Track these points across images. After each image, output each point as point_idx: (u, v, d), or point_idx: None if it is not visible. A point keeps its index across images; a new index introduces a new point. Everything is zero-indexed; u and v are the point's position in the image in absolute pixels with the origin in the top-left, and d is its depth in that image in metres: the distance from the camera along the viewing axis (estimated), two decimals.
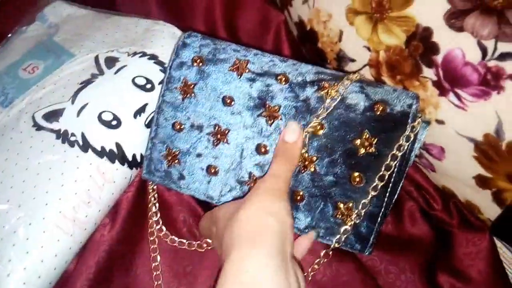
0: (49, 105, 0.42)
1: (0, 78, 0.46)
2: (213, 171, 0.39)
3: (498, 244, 0.43)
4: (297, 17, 0.52)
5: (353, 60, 0.44)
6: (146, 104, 0.44)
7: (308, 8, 0.48)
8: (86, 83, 0.44)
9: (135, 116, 0.43)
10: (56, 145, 0.40)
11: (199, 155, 0.39)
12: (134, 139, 0.42)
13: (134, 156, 0.42)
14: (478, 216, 0.40)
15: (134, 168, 0.43)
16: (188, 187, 0.40)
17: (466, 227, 0.41)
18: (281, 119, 0.37)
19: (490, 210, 0.37)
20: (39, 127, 0.41)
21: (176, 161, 0.40)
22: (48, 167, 0.39)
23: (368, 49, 0.41)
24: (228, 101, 0.38)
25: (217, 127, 0.39)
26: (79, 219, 0.38)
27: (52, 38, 0.50)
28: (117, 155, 0.41)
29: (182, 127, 0.40)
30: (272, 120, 0.37)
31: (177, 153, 0.40)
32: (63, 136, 0.40)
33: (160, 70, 0.46)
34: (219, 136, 0.39)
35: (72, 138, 0.40)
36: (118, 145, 0.41)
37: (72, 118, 0.41)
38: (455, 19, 0.32)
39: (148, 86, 0.45)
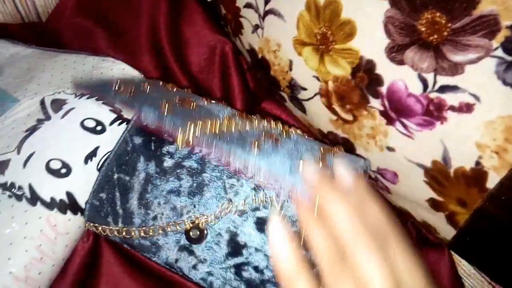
0: None
1: None
2: None
3: (457, 257, 0.44)
4: (248, 45, 0.52)
5: (304, 89, 0.45)
6: (97, 147, 0.42)
7: (257, 37, 0.49)
8: (31, 130, 0.42)
9: (86, 161, 0.41)
10: (2, 200, 0.38)
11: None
12: (87, 185, 0.41)
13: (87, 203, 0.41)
14: (436, 235, 0.42)
15: None
16: None
17: (425, 245, 0.42)
18: None
19: (446, 231, 0.38)
20: None
21: None
22: None
23: (318, 78, 0.42)
24: None
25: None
26: (31, 277, 0.36)
27: None
28: (68, 205, 0.39)
29: None
30: None
31: None
32: (10, 190, 0.38)
33: (110, 110, 0.45)
34: None
35: (19, 192, 0.38)
36: (69, 194, 0.40)
37: (18, 169, 0.40)
38: (395, 52, 0.33)
39: (99, 128, 0.43)
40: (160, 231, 0.38)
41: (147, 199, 0.39)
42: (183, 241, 0.38)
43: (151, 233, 0.38)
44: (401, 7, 0.32)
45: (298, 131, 0.39)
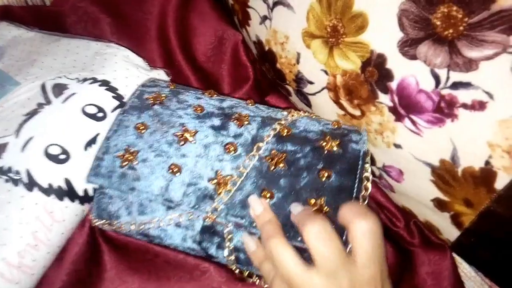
0: None
1: None
2: (176, 170, 0.37)
3: (458, 259, 0.43)
4: (255, 37, 0.51)
5: (311, 83, 0.44)
6: (97, 135, 0.42)
7: (265, 28, 0.48)
8: (31, 114, 0.41)
9: (85, 148, 0.41)
10: None
11: (160, 154, 0.38)
12: (85, 173, 0.40)
13: (85, 191, 0.40)
14: (438, 235, 0.41)
15: (86, 204, 0.41)
16: (144, 190, 0.37)
17: (427, 246, 0.41)
18: (249, 123, 0.39)
19: (449, 232, 0.37)
20: None
21: (134, 161, 0.38)
22: None
23: (326, 72, 0.41)
24: (199, 109, 0.41)
25: (184, 127, 0.39)
26: (25, 264, 0.35)
27: None
28: (66, 192, 0.39)
29: (144, 130, 0.40)
30: (241, 124, 0.39)
31: (135, 152, 0.38)
32: (7, 174, 0.37)
33: (113, 97, 0.44)
34: (185, 135, 0.38)
35: (16, 176, 0.37)
36: (67, 181, 0.39)
37: (16, 153, 0.39)
38: (408, 47, 0.32)
39: (100, 114, 0.42)
40: (188, 216, 0.37)
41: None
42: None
43: (180, 219, 0.37)
44: (417, 0, 0.31)
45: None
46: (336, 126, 0.40)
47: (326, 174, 0.36)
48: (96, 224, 0.39)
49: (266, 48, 0.49)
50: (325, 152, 0.37)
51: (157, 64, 0.53)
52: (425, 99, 0.32)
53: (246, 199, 0.35)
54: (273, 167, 0.37)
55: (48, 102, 0.42)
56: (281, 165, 0.37)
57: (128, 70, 0.47)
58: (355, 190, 0.35)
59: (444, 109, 0.32)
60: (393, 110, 0.35)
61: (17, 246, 0.35)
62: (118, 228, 0.39)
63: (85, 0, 0.55)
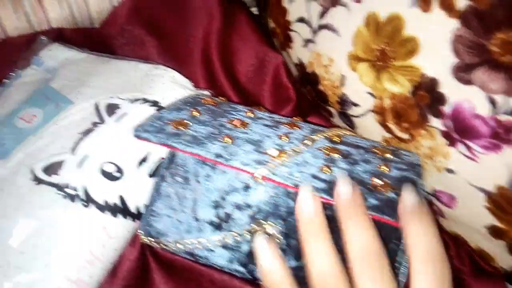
0: (48, 157, 0.41)
1: None
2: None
3: None
4: (297, 59, 0.52)
5: (356, 105, 0.44)
6: (149, 153, 0.43)
7: (308, 51, 0.49)
8: (86, 133, 0.43)
9: (138, 167, 0.42)
10: (56, 201, 0.38)
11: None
12: (138, 190, 0.41)
13: (138, 208, 0.41)
14: (491, 264, 0.40)
15: (137, 220, 0.42)
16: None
17: (480, 275, 0.40)
18: (300, 129, 0.40)
19: (504, 260, 0.37)
20: (38, 181, 0.39)
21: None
22: (49, 225, 0.37)
23: (372, 95, 0.41)
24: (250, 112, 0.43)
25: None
26: (82, 280, 0.36)
27: (49, 85, 0.49)
28: (120, 209, 0.40)
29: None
30: (292, 127, 0.40)
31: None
32: (64, 191, 0.39)
33: None
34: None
35: (73, 193, 0.39)
36: (121, 198, 0.40)
37: (73, 170, 0.40)
38: (462, 72, 0.32)
39: None
40: (235, 237, 0.37)
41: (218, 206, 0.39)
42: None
43: (227, 240, 0.37)
44: (472, 26, 0.31)
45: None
46: (386, 144, 0.40)
47: (385, 167, 0.34)
48: (144, 241, 0.40)
49: (309, 70, 0.50)
50: (380, 155, 0.37)
51: (200, 85, 0.54)
52: (481, 124, 0.32)
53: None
54: (328, 154, 0.36)
55: (102, 121, 0.44)
56: (336, 155, 0.36)
57: (175, 90, 0.48)
58: (417, 183, 0.33)
59: (501, 135, 0.31)
60: (445, 134, 0.35)
61: (76, 262, 0.36)
62: (165, 246, 0.39)
63: (132, 24, 0.57)
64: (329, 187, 0.32)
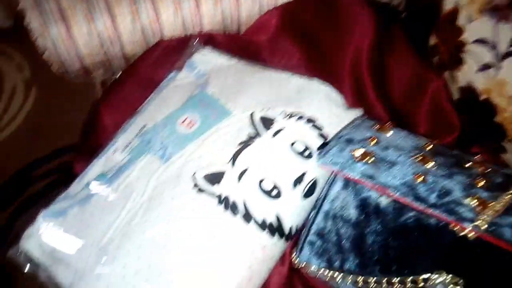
0: (208, 166, 0.42)
1: (156, 129, 0.47)
2: None
3: None
4: (465, 82, 0.47)
5: None
6: (304, 173, 0.42)
7: (485, 77, 0.43)
8: (244, 145, 0.43)
9: (294, 186, 0.41)
10: (218, 213, 0.39)
11: None
12: (293, 210, 0.40)
13: (291, 228, 0.40)
14: None
15: (289, 241, 0.41)
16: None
17: None
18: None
19: None
20: (200, 189, 0.40)
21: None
22: (212, 236, 0.38)
23: None
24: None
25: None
26: None
27: (204, 91, 0.51)
28: (276, 228, 0.39)
29: None
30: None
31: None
32: (225, 203, 0.39)
33: (318, 135, 0.44)
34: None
35: (234, 207, 0.39)
36: (278, 217, 0.39)
37: (233, 183, 0.40)
38: None
39: (307, 153, 0.43)
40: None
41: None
42: None
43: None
44: None
45: None
46: None
47: None
48: (300, 266, 0.39)
49: (481, 97, 0.45)
50: None
51: (347, 100, 0.52)
52: None
53: None
54: None
55: (259, 134, 0.44)
56: None
57: (331, 108, 0.46)
58: None
59: None
60: None
61: (236, 279, 0.36)
62: (322, 276, 0.38)
63: (282, 34, 0.56)
64: None
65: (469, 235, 0.30)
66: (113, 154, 0.46)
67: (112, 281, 0.36)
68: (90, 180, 0.44)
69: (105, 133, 0.52)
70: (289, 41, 0.56)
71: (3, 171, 0.71)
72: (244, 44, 0.59)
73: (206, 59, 0.56)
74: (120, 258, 0.37)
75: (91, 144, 0.52)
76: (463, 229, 0.30)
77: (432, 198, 0.32)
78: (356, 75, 0.53)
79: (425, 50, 0.54)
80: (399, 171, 0.34)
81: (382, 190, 0.33)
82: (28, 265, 0.39)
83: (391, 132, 0.41)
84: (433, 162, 0.35)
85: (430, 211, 0.31)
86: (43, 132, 0.79)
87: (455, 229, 0.31)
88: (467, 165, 0.36)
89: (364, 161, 0.36)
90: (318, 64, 0.55)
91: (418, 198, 0.32)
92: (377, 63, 0.53)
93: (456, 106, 0.50)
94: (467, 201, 0.31)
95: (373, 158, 0.36)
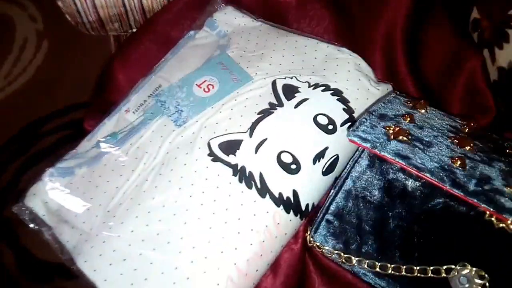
0: (225, 133, 0.39)
1: (172, 91, 0.44)
2: None
3: None
4: (507, 63, 0.43)
5: None
6: (326, 148, 0.39)
7: None
8: (264, 114, 0.40)
9: (314, 162, 0.38)
10: (233, 183, 0.37)
11: None
12: (310, 187, 0.38)
13: (307, 206, 0.38)
14: None
15: (304, 218, 0.39)
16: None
17: None
18: None
19: None
20: (215, 158, 0.38)
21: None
22: (225, 208, 0.36)
23: None
24: None
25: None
26: (250, 273, 0.35)
27: (225, 52, 0.47)
28: (292, 204, 0.37)
29: None
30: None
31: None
32: (240, 174, 0.37)
33: (343, 109, 0.41)
34: None
35: (249, 179, 0.37)
36: (295, 193, 0.37)
37: (249, 153, 0.38)
38: None
39: (330, 127, 0.40)
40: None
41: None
42: None
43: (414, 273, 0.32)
44: None
45: None
46: None
47: None
48: (314, 245, 0.37)
49: None
50: None
51: (377, 75, 0.48)
52: None
53: None
54: None
55: (280, 103, 0.41)
56: None
57: (360, 81, 0.43)
58: None
59: None
60: None
61: (247, 254, 0.34)
62: (337, 257, 0.36)
63: None
64: None
65: (511, 227, 0.28)
66: (125, 114, 0.44)
67: (119, 245, 0.35)
68: (101, 140, 0.42)
69: (119, 90, 0.50)
70: (319, 5, 0.52)
71: (11, 126, 0.69)
72: (270, 5, 0.55)
73: (228, 19, 0.52)
74: (128, 223, 0.36)
75: (103, 100, 0.50)
76: (504, 220, 0.28)
77: (472, 185, 0.29)
78: (388, 49, 0.50)
79: (466, 25, 0.50)
80: (435, 153, 0.32)
81: (416, 173, 0.31)
82: (32, 223, 0.38)
83: (426, 110, 0.38)
84: (472, 146, 0.32)
85: (469, 198, 0.29)
86: (54, 87, 0.77)
87: (492, 219, 0.29)
88: (507, 151, 0.33)
89: (398, 139, 0.33)
90: (348, 32, 0.51)
91: (456, 184, 0.29)
92: (411, 37, 0.49)
93: (493, 87, 0.47)
94: (508, 190, 0.29)
95: (407, 137, 0.33)
